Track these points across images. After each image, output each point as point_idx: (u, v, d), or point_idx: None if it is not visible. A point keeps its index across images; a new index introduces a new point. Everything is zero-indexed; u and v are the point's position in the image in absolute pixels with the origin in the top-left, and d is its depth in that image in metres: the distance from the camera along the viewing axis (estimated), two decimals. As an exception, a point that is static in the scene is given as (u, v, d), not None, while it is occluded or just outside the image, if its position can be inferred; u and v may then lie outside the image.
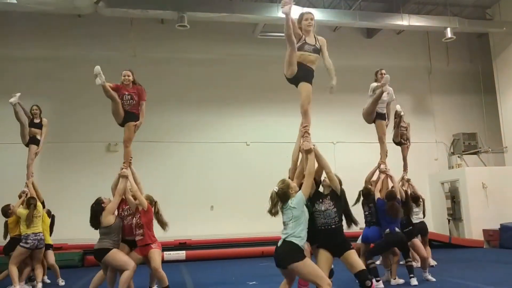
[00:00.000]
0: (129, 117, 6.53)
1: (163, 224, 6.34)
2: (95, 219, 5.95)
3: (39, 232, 7.60)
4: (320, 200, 4.64)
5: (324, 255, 4.56)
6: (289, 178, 4.88)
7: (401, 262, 7.51)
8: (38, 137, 8.50)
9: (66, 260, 10.70)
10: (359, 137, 14.13)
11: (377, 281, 6.82)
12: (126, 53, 13.31)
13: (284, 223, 4.39)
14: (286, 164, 5.32)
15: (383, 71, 7.42)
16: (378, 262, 7.56)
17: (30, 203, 7.61)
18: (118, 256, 5.81)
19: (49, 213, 8.76)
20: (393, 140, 9.05)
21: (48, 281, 8.51)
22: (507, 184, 13.24)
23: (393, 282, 7.06)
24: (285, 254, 4.25)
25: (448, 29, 13.46)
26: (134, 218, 6.18)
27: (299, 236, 4.29)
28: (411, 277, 6.87)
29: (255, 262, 10.66)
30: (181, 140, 13.55)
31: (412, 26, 13.49)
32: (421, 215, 8.98)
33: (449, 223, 13.95)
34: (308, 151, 4.67)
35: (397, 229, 6.83)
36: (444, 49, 15.79)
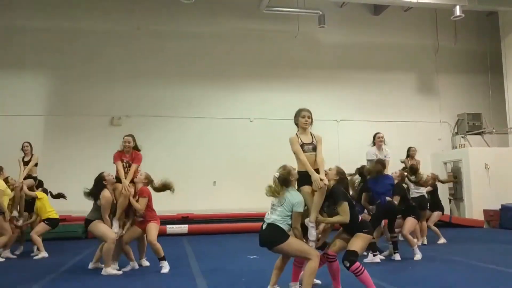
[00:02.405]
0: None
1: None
2: (95, 195, 6.12)
3: None
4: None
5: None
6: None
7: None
8: (33, 174, 8.57)
9: (70, 232, 10.87)
10: (363, 115, 14.09)
11: (374, 255, 6.92)
12: (131, 26, 13.18)
13: (273, 206, 4.42)
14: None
15: (381, 135, 8.09)
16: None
17: None
18: (99, 226, 6.00)
19: (45, 191, 8.63)
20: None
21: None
22: (509, 165, 13.21)
23: (368, 259, 6.87)
24: (270, 236, 4.33)
25: (457, 7, 13.18)
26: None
27: (287, 223, 4.34)
28: (395, 253, 7.08)
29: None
30: (184, 115, 13.51)
31: (420, 3, 13.22)
32: (422, 189, 8.84)
33: (450, 203, 14.01)
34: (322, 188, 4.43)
35: (387, 198, 6.93)
36: (452, 27, 15.54)
